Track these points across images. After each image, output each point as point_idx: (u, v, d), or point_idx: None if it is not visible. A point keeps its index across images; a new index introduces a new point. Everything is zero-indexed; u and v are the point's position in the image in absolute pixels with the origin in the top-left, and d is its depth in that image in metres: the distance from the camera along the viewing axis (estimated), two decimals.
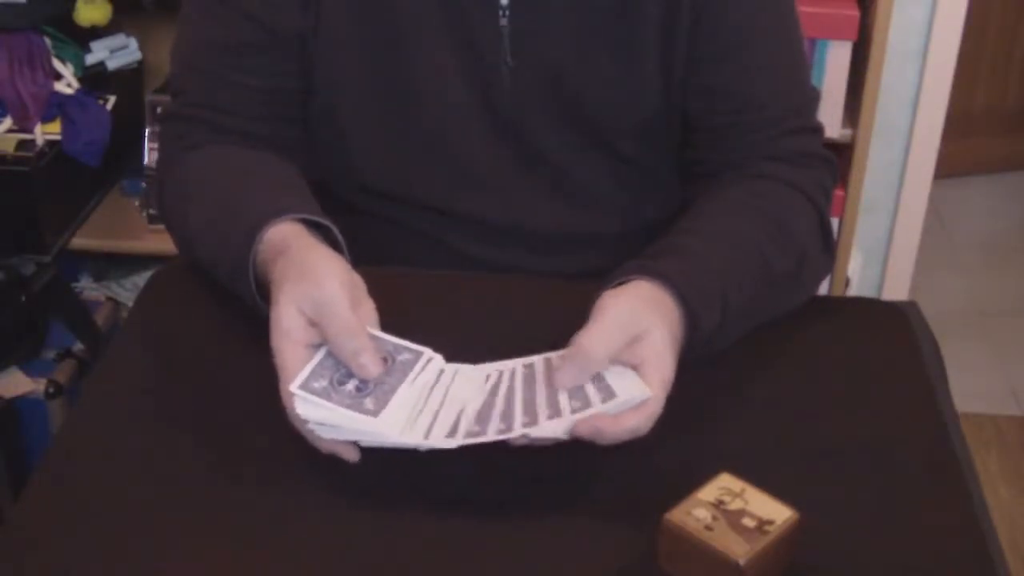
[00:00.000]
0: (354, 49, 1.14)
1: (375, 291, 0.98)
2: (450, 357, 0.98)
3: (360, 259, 1.03)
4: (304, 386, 0.89)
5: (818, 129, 1.21)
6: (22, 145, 2.07)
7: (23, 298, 1.99)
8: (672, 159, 1.24)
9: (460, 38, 1.13)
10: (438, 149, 1.17)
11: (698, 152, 1.21)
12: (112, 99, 2.19)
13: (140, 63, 2.31)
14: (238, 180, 1.11)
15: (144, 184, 2.21)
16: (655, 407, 0.91)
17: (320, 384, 0.89)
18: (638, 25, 1.12)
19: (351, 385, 0.90)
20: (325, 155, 1.20)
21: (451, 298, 1.13)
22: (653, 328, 0.93)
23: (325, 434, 0.90)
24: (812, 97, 1.21)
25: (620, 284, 0.98)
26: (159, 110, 2.17)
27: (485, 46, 1.13)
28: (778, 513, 0.83)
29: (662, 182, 1.24)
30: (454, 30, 1.12)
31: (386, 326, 0.97)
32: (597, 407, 0.89)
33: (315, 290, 0.92)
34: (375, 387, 0.90)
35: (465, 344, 1.01)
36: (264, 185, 1.10)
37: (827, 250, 1.15)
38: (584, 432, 0.89)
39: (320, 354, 0.92)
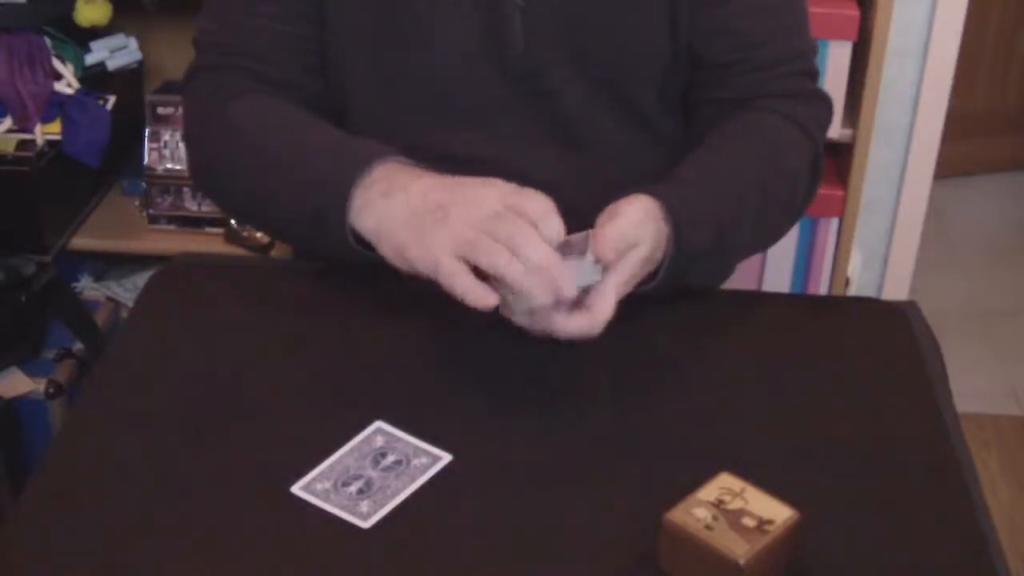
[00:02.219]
0: None
1: (383, 291, 0.98)
2: (455, 358, 0.98)
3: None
4: (307, 488, 0.91)
5: (817, 75, 1.24)
6: (22, 145, 2.07)
7: (23, 298, 1.99)
8: (679, 111, 1.25)
9: None
10: (445, 86, 1.18)
11: (701, 91, 1.23)
12: (112, 99, 2.19)
13: (140, 63, 2.31)
14: (306, 126, 1.13)
15: (144, 184, 2.21)
16: (606, 310, 0.97)
17: (323, 486, 0.91)
18: None
19: (353, 488, 0.91)
20: (338, 99, 1.22)
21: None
22: (641, 243, 1.01)
23: None
24: (813, 45, 1.24)
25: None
26: (159, 110, 2.17)
27: None
28: (778, 513, 0.83)
29: (669, 131, 1.25)
30: None
31: (396, 328, 0.97)
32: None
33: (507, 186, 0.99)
34: (376, 491, 0.91)
35: (468, 346, 1.02)
36: (339, 133, 1.13)
37: (815, 180, 1.20)
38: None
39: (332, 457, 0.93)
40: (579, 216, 1.22)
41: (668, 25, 1.17)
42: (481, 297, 0.95)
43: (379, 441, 0.94)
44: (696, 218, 1.05)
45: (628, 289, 1.01)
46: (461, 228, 0.96)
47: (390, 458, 0.93)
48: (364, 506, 0.89)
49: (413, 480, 0.91)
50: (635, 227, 1.00)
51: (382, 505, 0.89)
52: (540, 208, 0.97)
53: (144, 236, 2.21)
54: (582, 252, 0.98)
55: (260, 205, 1.13)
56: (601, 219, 1.01)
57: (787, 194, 1.16)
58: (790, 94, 1.19)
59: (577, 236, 0.99)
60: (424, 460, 0.93)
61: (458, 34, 1.15)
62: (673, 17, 1.17)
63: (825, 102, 1.23)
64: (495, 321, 1.09)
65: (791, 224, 1.20)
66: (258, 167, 1.12)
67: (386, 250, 1.02)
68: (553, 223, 0.96)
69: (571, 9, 1.15)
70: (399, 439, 0.94)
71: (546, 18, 1.15)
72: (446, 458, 0.93)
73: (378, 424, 0.96)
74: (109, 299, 2.26)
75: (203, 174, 1.19)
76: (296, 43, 1.17)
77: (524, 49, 1.16)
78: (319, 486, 0.91)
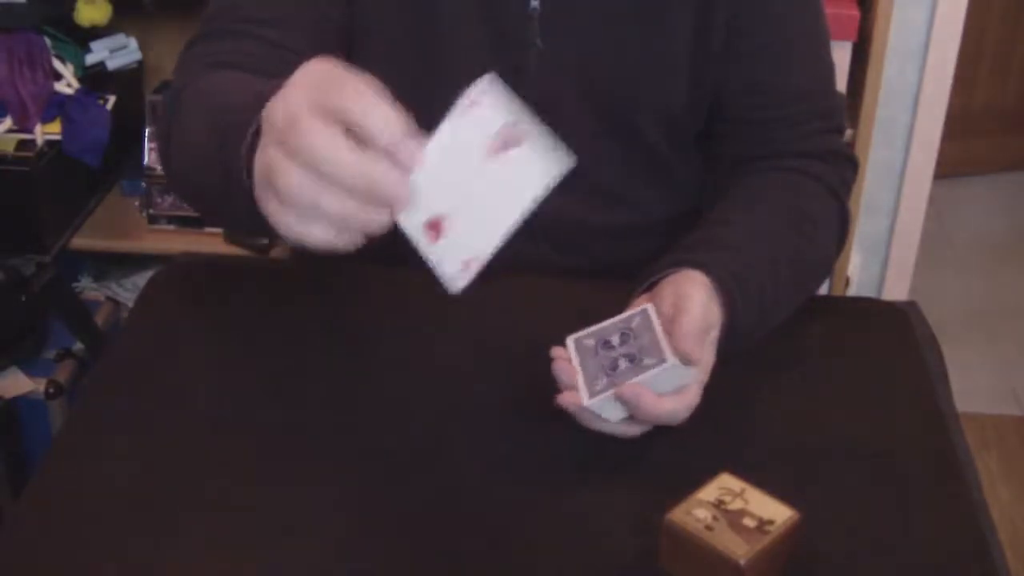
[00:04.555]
0: (391, 11, 1.13)
1: (383, 291, 0.98)
2: (459, 356, 0.97)
3: (368, 249, 1.01)
4: (592, 394, 0.91)
5: (844, 131, 1.23)
6: (22, 145, 2.07)
7: (23, 298, 1.99)
8: (692, 155, 1.24)
9: (491, 17, 1.13)
10: None
11: (728, 145, 1.22)
12: (112, 99, 2.19)
13: (140, 63, 2.31)
14: (247, 79, 1.00)
15: (144, 184, 2.21)
16: (694, 398, 0.93)
17: (601, 383, 0.91)
18: (672, 13, 1.13)
19: (623, 364, 0.92)
20: None
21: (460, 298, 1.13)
22: (713, 326, 0.98)
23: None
24: (841, 100, 1.24)
25: (677, 269, 1.00)
26: (159, 110, 2.17)
27: (515, 27, 1.14)
28: (778, 513, 0.83)
29: (679, 177, 1.25)
30: (486, 9, 1.13)
31: (396, 328, 0.97)
32: (645, 374, 0.91)
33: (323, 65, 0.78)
34: (636, 345, 0.92)
35: (472, 345, 1.02)
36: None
37: (840, 248, 1.18)
38: (627, 395, 0.91)
39: (575, 357, 0.94)
40: (590, 256, 1.22)
41: (690, 74, 1.16)
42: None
43: (635, 321, 0.95)
44: (745, 295, 1.01)
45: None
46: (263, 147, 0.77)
47: (632, 347, 0.93)
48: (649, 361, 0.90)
49: (635, 374, 0.91)
50: (708, 313, 0.97)
51: (609, 388, 0.90)
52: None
53: (144, 236, 2.21)
54: (642, 335, 0.93)
55: (181, 167, 1.01)
56: (665, 303, 0.97)
57: (822, 263, 1.14)
58: (820, 154, 1.18)
59: (637, 319, 0.95)
60: (651, 360, 0.91)
61: (474, 70, 1.15)
62: (696, 68, 1.16)
63: (852, 162, 1.21)
64: (500, 321, 1.09)
65: (814, 292, 1.17)
66: (188, 130, 1.00)
67: None
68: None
69: (589, 55, 1.14)
70: (651, 330, 0.94)
71: (563, 61, 1.14)
72: (669, 361, 0.91)
73: (648, 307, 0.95)
74: (109, 299, 2.26)
75: (156, 129, 1.15)
76: (319, 19, 1.13)
77: (539, 90, 1.16)
78: (598, 385, 0.91)
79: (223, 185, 0.90)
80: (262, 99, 0.81)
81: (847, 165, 1.21)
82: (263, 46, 1.10)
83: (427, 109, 1.16)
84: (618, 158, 1.20)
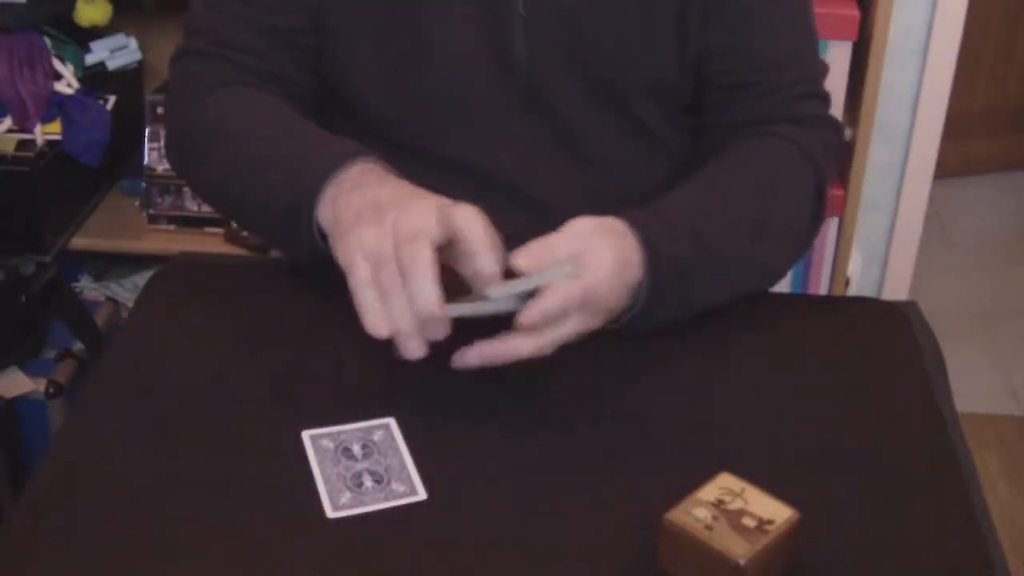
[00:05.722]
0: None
1: None
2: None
3: None
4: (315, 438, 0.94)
5: (827, 98, 1.23)
6: (22, 145, 2.07)
7: (23, 298, 1.99)
8: (683, 124, 1.24)
9: None
10: (446, 95, 1.17)
11: (712, 114, 1.21)
12: (112, 99, 2.19)
13: (140, 63, 2.31)
14: (287, 121, 1.11)
15: (144, 184, 2.21)
16: (541, 305, 0.93)
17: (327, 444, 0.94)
18: None
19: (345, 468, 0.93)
20: (334, 100, 1.21)
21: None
22: (601, 247, 0.98)
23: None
24: (824, 67, 1.24)
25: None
26: (159, 110, 2.17)
27: None
28: (778, 513, 0.83)
29: (670, 148, 1.24)
30: None
31: None
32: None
33: (453, 208, 0.93)
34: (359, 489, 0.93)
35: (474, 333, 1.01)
36: (319, 131, 1.11)
37: (817, 217, 1.17)
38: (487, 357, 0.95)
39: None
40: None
41: (675, 41, 1.16)
42: (374, 324, 0.92)
43: (377, 435, 0.94)
44: (671, 222, 1.02)
45: (567, 302, 0.95)
46: (383, 237, 0.93)
47: (378, 463, 0.92)
48: (345, 497, 0.89)
49: (385, 500, 0.90)
50: (568, 238, 0.97)
51: (354, 507, 0.89)
52: (474, 236, 0.92)
53: (144, 236, 2.21)
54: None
55: (234, 194, 1.11)
56: None
57: (783, 217, 1.13)
58: (799, 119, 1.18)
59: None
60: (402, 488, 0.91)
61: (460, 44, 1.15)
62: (681, 34, 1.15)
63: (834, 128, 1.21)
64: (504, 324, 1.09)
65: (794, 254, 1.17)
66: (235, 157, 1.10)
67: (331, 241, 1.00)
68: (486, 258, 0.93)
69: (574, 20, 1.14)
70: (396, 449, 0.94)
71: (548, 28, 1.14)
72: (421, 495, 0.90)
73: (389, 421, 0.95)
74: (109, 299, 2.26)
75: (179, 156, 1.18)
76: (289, 36, 1.16)
77: (526, 59, 1.15)
78: (324, 443, 0.92)
79: (280, 229, 1.06)
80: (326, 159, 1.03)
81: (828, 130, 1.21)
82: (242, 72, 1.16)
83: (413, 86, 1.17)
84: (607, 125, 1.20)
